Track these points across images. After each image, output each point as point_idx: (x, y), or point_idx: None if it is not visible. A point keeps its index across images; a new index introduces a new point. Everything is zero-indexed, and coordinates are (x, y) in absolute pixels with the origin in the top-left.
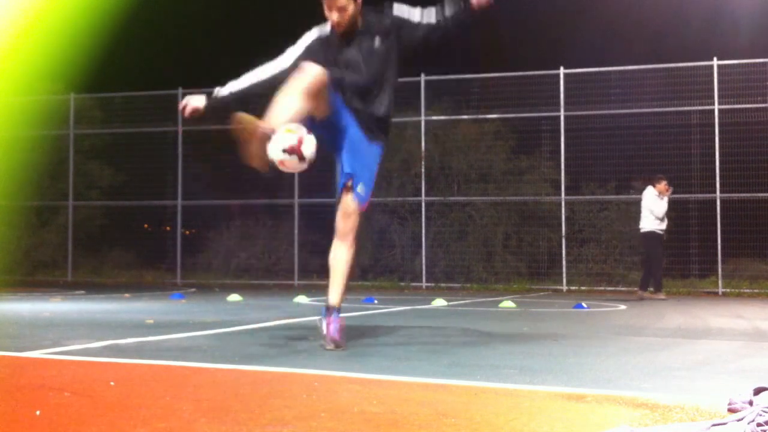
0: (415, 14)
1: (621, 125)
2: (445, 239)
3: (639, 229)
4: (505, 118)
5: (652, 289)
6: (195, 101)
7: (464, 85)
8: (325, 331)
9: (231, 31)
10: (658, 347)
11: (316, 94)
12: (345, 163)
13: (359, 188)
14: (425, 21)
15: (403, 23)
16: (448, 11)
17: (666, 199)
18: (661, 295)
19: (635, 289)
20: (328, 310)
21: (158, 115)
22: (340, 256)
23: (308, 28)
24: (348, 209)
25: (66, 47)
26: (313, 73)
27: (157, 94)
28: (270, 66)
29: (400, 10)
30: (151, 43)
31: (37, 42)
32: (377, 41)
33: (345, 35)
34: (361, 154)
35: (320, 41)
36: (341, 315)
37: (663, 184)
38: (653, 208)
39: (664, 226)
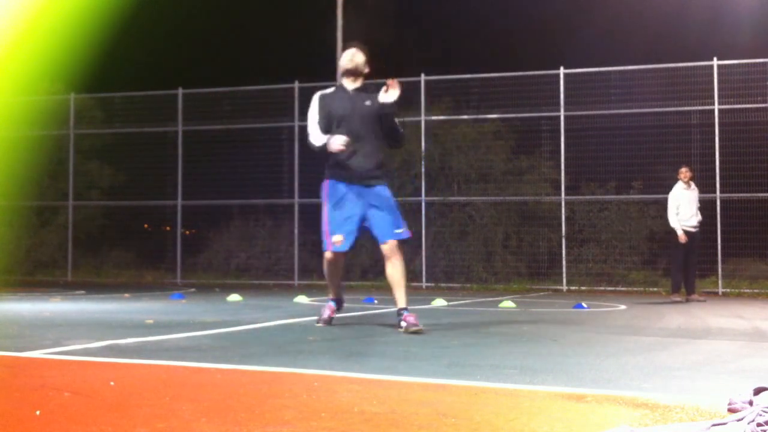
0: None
1: (621, 125)
2: (445, 239)
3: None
4: (505, 118)
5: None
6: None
7: (464, 85)
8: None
9: (231, 31)
10: (658, 347)
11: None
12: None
13: (398, 231)
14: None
15: (386, 114)
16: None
17: (688, 191)
18: (677, 297)
19: (635, 289)
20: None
21: (158, 115)
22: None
23: (307, 27)
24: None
25: (66, 47)
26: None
27: (157, 94)
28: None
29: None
30: (151, 43)
31: (37, 42)
32: (369, 102)
33: (352, 80)
34: (385, 207)
35: (322, 97)
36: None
37: (682, 171)
38: (668, 204)
39: (692, 222)
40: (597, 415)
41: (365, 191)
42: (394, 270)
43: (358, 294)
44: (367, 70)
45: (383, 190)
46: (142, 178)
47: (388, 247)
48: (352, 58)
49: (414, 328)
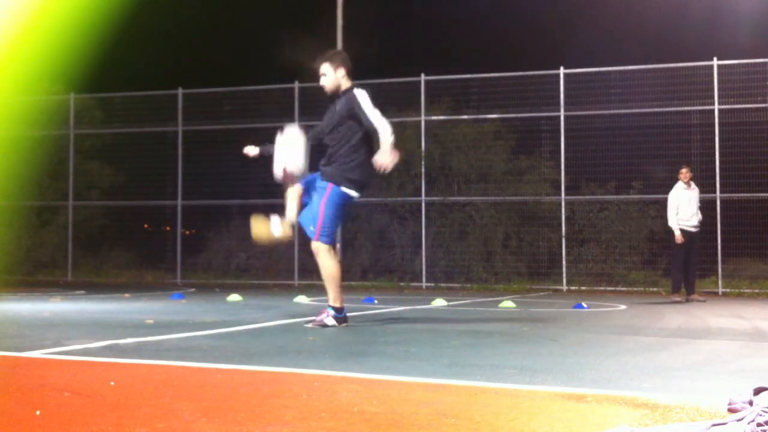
0: (370, 111)
1: (621, 125)
2: (445, 239)
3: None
4: (505, 118)
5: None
6: (251, 151)
7: (464, 85)
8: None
9: (231, 31)
10: (658, 347)
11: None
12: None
13: (310, 228)
14: (371, 120)
15: (359, 111)
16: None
17: (688, 191)
18: (677, 297)
19: (635, 289)
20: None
21: (158, 115)
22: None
23: (306, 29)
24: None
25: (66, 47)
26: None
27: (157, 94)
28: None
29: (362, 98)
30: (151, 43)
31: (37, 42)
32: (338, 107)
33: (331, 95)
34: (310, 205)
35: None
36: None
37: (683, 171)
38: (668, 204)
39: (692, 222)
40: (597, 415)
41: (318, 181)
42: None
43: (358, 294)
44: (341, 84)
45: (322, 189)
46: (142, 178)
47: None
48: (321, 83)
49: (309, 324)
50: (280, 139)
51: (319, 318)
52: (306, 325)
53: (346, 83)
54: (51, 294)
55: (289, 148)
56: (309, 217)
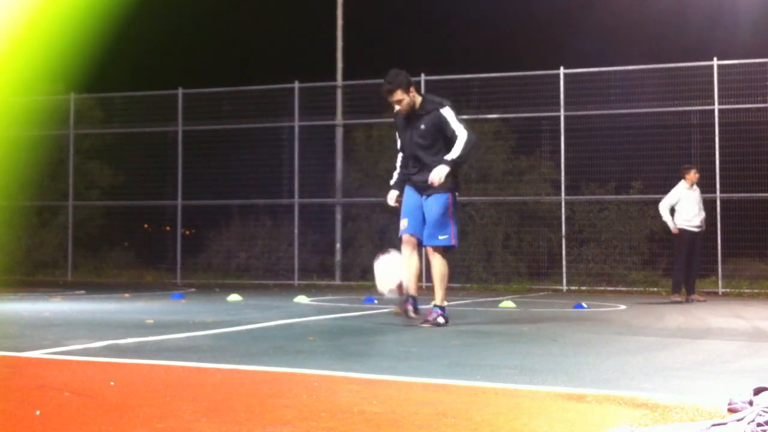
0: (455, 125)
1: (621, 125)
2: None
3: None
4: (505, 118)
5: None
6: (393, 200)
7: (464, 85)
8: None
9: (231, 31)
10: (658, 347)
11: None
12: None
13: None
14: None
15: (445, 125)
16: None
17: (690, 191)
18: (677, 297)
19: (635, 289)
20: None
21: (158, 115)
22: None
23: (306, 29)
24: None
25: (66, 47)
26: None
27: (157, 94)
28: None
29: (448, 114)
30: (151, 43)
31: (37, 42)
32: (422, 126)
33: (407, 115)
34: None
35: (395, 114)
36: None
37: (692, 173)
38: (668, 201)
39: (695, 222)
40: (597, 415)
41: (422, 197)
42: (432, 269)
43: (358, 294)
44: (396, 99)
45: (433, 201)
46: (142, 178)
47: (428, 250)
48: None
49: (426, 324)
50: (381, 260)
51: (431, 317)
52: (422, 325)
53: (404, 105)
54: (51, 294)
55: (393, 267)
56: (429, 231)
